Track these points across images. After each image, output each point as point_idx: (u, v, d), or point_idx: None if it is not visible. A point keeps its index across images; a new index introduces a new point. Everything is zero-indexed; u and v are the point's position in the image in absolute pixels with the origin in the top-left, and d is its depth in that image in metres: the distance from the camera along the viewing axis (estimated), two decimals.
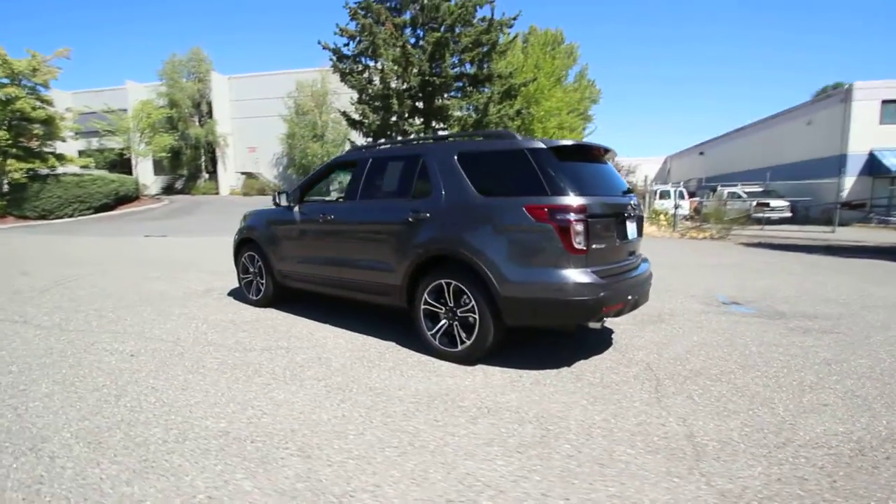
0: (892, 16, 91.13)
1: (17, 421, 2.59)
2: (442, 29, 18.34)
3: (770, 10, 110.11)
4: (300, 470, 2.14)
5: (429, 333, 3.59)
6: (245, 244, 5.31)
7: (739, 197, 19.64)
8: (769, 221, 17.49)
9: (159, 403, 2.81)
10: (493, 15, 18.48)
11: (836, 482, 2.06)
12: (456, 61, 19.04)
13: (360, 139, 20.33)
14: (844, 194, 18.77)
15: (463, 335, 3.40)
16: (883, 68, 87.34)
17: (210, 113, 32.52)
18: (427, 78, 18.00)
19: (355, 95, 20.47)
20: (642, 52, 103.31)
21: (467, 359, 3.42)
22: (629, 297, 3.33)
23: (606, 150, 3.62)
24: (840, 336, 4.17)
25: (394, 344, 3.92)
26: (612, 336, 4.17)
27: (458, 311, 3.43)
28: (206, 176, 34.46)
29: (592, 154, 3.53)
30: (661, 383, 3.14)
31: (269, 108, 31.18)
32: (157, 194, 31.59)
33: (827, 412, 2.73)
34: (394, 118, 18.74)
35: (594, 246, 3.12)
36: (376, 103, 18.70)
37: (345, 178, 5.37)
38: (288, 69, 31.46)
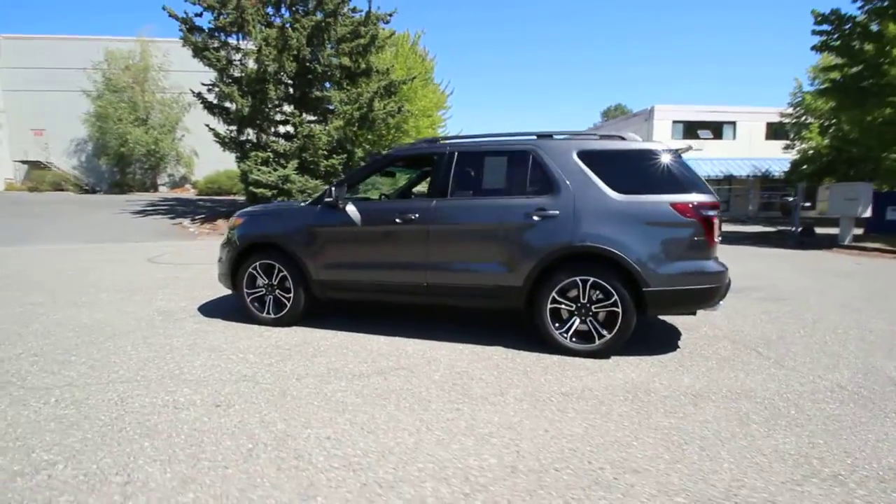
0: (651, 49, 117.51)
1: None
2: (319, 14, 17.11)
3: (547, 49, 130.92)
4: (667, 486, 2.00)
5: (558, 332, 3.55)
6: (253, 252, 4.31)
7: None
8: None
9: (375, 455, 2.22)
10: (370, 7, 18.00)
11: None
12: (332, 50, 17.99)
13: (219, 125, 17.67)
14: None
15: (603, 331, 3.47)
16: (657, 92, 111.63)
17: None
18: (307, 65, 16.63)
19: (193, 73, 17.76)
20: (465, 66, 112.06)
21: (602, 353, 3.49)
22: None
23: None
24: (795, 302, 5.48)
25: (501, 348, 3.74)
26: (658, 319, 4.68)
27: (593, 307, 3.48)
28: None
29: (681, 153, 3.91)
30: (758, 352, 3.73)
31: (67, 81, 24.66)
32: None
33: (877, 357, 3.64)
34: (266, 105, 16.82)
35: (719, 238, 3.53)
36: (244, 87, 16.50)
37: (400, 174, 4.81)
38: (94, 35, 25.33)
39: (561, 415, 2.64)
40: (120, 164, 26.26)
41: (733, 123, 26.52)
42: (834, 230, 13.81)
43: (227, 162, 24.24)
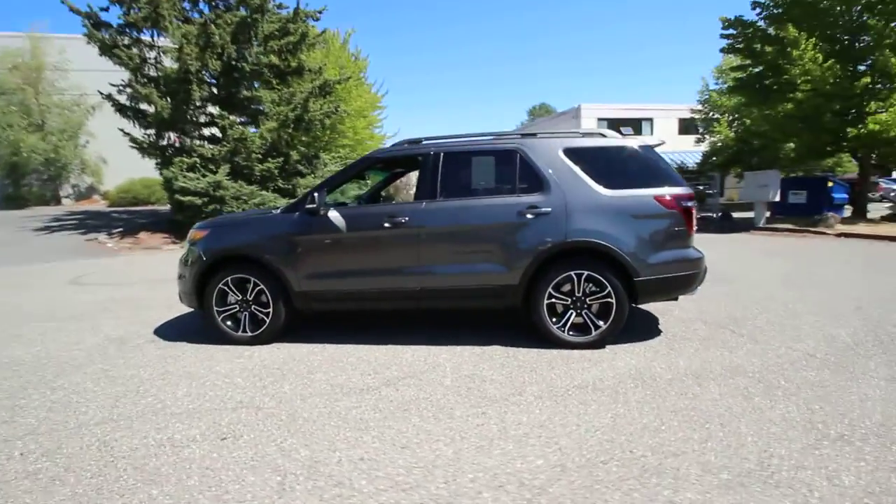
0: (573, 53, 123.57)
1: None
2: (242, 9, 16.17)
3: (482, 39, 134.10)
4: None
5: (555, 327, 3.61)
6: (223, 266, 3.96)
7: None
8: None
9: (420, 471, 2.11)
10: (298, 3, 17.29)
11: None
12: (259, 48, 17.07)
13: (136, 130, 16.15)
14: None
15: (598, 322, 3.58)
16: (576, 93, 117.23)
17: None
18: (234, 63, 15.65)
19: (98, 72, 16.17)
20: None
21: (598, 343, 3.61)
22: None
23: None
24: (743, 282, 6.00)
25: (499, 346, 3.74)
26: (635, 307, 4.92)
27: (588, 299, 3.59)
28: None
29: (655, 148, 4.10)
30: (731, 330, 4.04)
31: None
32: None
33: (828, 325, 4.08)
34: (189, 107, 15.62)
35: None
36: (163, 87, 15.21)
37: (375, 176, 4.61)
38: None
39: (584, 408, 2.68)
40: (13, 175, 23.09)
41: (650, 120, 28.73)
42: (745, 214, 15.37)
43: (142, 169, 22.16)
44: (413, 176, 6.17)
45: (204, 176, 15.01)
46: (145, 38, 15.95)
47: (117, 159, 24.11)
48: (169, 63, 15.79)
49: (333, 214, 3.78)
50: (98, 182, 25.96)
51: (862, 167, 13.59)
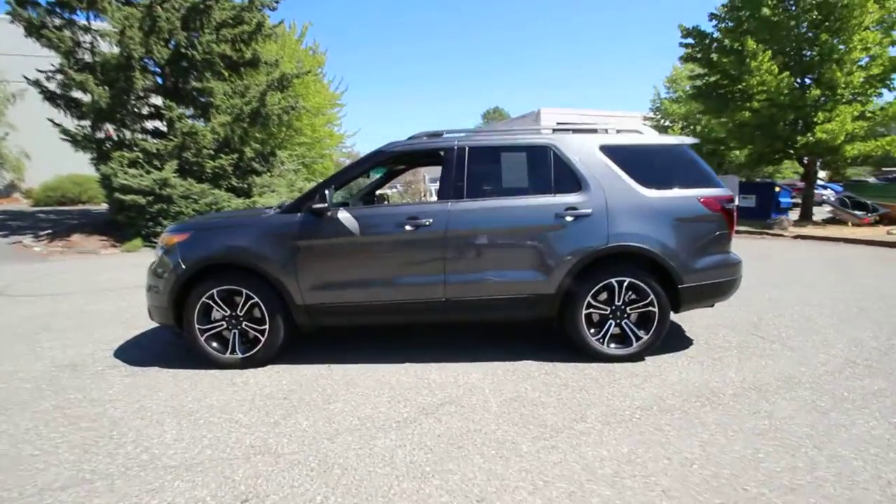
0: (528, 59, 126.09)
1: None
2: None
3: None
4: None
5: (595, 339, 3.31)
6: (207, 276, 3.35)
7: None
8: None
9: None
10: None
11: None
12: (211, 36, 15.87)
13: (68, 120, 14.51)
14: None
15: (639, 332, 3.32)
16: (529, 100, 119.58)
17: None
18: (183, 51, 14.41)
19: (16, 57, 14.42)
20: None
21: (639, 355, 3.35)
22: None
23: None
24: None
25: (532, 362, 3.39)
26: None
27: (628, 308, 3.32)
28: None
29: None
30: (760, 337, 3.91)
31: None
32: None
33: (846, 328, 4.05)
34: (130, 96, 14.23)
35: None
36: (101, 74, 13.75)
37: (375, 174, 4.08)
38: None
39: (663, 435, 2.38)
40: None
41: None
42: None
43: (71, 165, 20.14)
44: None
45: (148, 172, 13.71)
46: (79, 20, 14.39)
47: (43, 154, 21.73)
48: (106, 48, 14.31)
49: (344, 216, 3.28)
50: (19, 179, 23.33)
51: (808, 173, 14.46)
